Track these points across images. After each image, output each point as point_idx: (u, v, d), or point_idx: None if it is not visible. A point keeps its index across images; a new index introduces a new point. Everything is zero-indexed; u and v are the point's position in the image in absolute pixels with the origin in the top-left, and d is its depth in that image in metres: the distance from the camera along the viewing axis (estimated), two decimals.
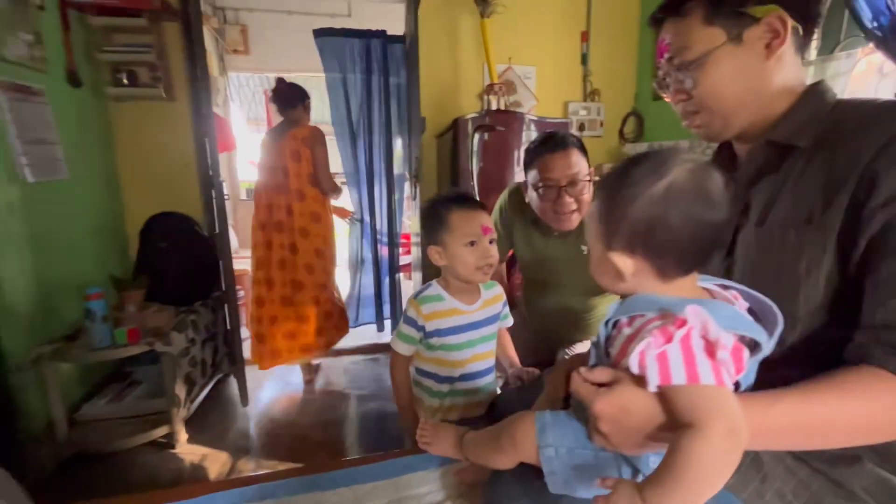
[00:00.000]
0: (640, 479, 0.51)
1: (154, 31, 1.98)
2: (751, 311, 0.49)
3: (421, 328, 0.94)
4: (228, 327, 2.09)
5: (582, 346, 1.29)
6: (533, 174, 1.14)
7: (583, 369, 0.53)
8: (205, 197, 2.10)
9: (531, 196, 1.19)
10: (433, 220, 0.93)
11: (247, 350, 2.12)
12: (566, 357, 1.29)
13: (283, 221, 2.05)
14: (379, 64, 2.44)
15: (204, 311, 1.98)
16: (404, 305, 1.00)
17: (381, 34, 2.40)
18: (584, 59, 2.48)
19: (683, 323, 0.41)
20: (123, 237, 2.13)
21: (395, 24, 2.35)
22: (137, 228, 2.04)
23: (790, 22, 0.55)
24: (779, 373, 0.56)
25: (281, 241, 2.06)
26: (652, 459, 0.51)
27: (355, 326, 2.60)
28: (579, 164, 1.11)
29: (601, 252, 0.50)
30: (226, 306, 2.07)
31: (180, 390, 1.66)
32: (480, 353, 0.98)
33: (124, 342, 1.54)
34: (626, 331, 0.47)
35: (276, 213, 2.05)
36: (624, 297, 0.52)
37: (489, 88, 2.12)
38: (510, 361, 1.06)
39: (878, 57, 1.45)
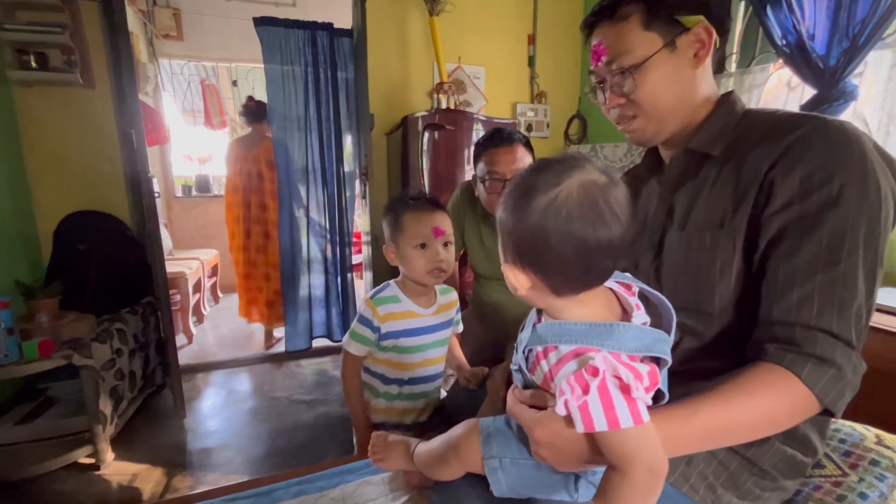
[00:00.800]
0: (581, 484, 0.53)
1: (67, 10, 1.78)
2: (645, 298, 0.51)
3: (376, 329, 0.93)
4: (162, 335, 1.93)
5: None
6: (480, 167, 1.18)
7: (517, 391, 0.54)
8: (132, 194, 1.93)
9: (479, 189, 1.22)
10: (390, 218, 0.93)
11: (184, 357, 1.97)
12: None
13: (260, 216, 2.55)
14: (326, 58, 2.35)
15: (133, 318, 1.82)
16: (358, 306, 0.98)
17: (327, 27, 2.32)
18: (531, 62, 2.54)
19: (596, 371, 0.41)
20: (33, 239, 1.90)
21: (342, 17, 2.28)
22: (51, 229, 1.84)
23: (714, 34, 0.59)
24: (699, 364, 0.60)
25: (258, 230, 2.55)
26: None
27: (313, 339, 2.50)
28: (524, 160, 1.16)
29: (501, 262, 0.50)
30: (158, 313, 1.92)
31: (105, 406, 1.52)
32: (432, 357, 0.97)
33: (35, 356, 1.38)
34: (544, 365, 0.48)
35: (254, 210, 2.53)
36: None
37: (439, 87, 2.12)
38: (458, 363, 1.07)
39: (786, 72, 1.61)
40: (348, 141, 2.53)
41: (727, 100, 0.63)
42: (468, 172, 1.99)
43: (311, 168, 2.45)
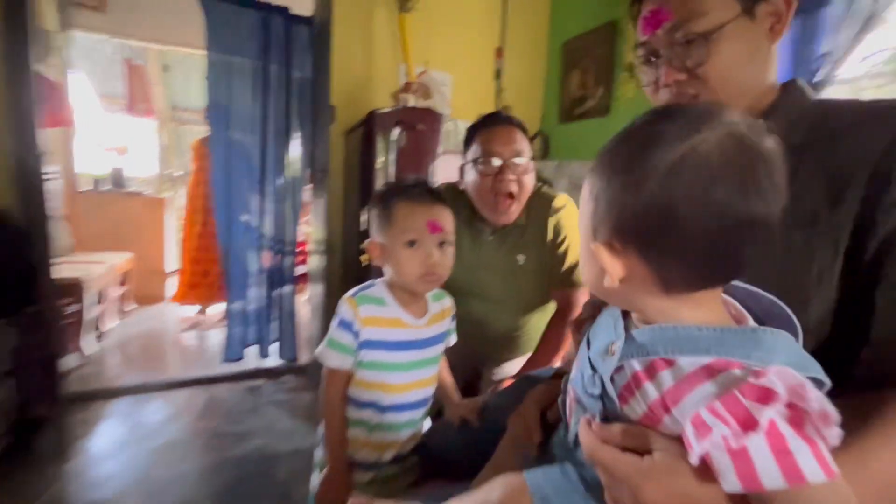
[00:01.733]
0: None
1: None
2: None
3: (356, 334, 0.74)
4: (47, 354, 1.54)
5: (511, 367, 1.19)
6: (473, 150, 1.05)
7: (597, 426, 0.39)
8: (22, 183, 1.55)
9: (468, 180, 1.07)
10: (379, 207, 0.76)
11: (78, 382, 1.59)
12: (494, 378, 1.17)
13: None
14: (279, 46, 2.13)
15: (7, 332, 1.43)
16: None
17: (282, 11, 2.10)
18: (498, 75, 2.50)
19: (769, 396, 0.28)
20: None
21: (299, 2, 2.09)
22: None
23: (794, 4, 0.51)
24: None
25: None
26: None
27: (235, 358, 2.16)
28: (522, 144, 1.05)
29: (585, 241, 0.39)
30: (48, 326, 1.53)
31: None
32: (422, 378, 0.80)
33: None
34: (650, 388, 0.35)
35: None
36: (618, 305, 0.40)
37: (407, 87, 1.98)
38: (445, 390, 0.89)
39: None
40: (297, 143, 2.30)
41: (796, 85, 0.55)
42: (438, 178, 1.85)
43: (253, 171, 2.17)
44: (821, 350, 0.47)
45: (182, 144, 4.70)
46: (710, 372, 0.32)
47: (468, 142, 1.08)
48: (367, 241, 0.78)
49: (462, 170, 1.11)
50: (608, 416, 0.40)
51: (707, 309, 0.36)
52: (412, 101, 1.96)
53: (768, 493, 0.29)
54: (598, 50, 2.19)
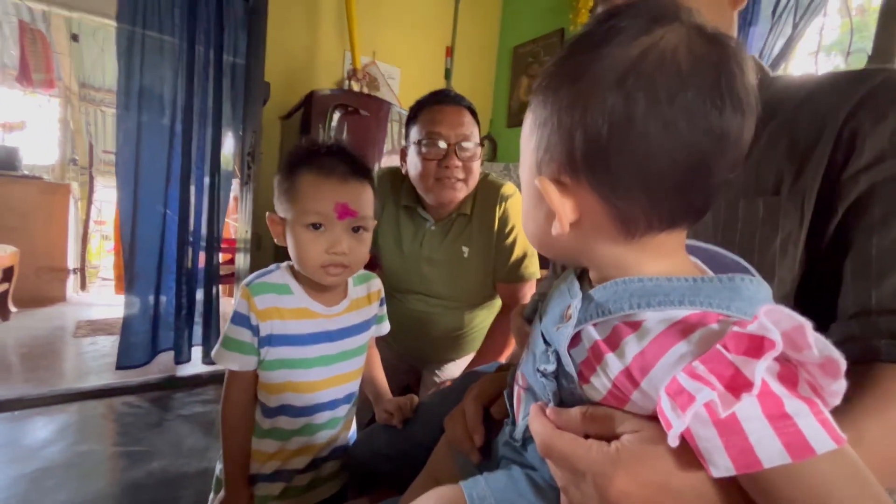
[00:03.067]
0: None
1: None
2: None
3: (255, 329, 0.62)
4: None
5: (454, 368, 1.11)
6: (416, 129, 0.95)
7: (553, 411, 0.32)
8: None
9: (410, 161, 0.97)
10: (283, 174, 0.63)
11: None
12: (437, 380, 1.08)
13: None
14: (209, 21, 1.92)
15: None
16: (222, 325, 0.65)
17: None
18: (448, 74, 2.46)
19: (761, 345, 0.23)
20: None
21: None
22: None
23: None
24: None
25: None
26: None
27: (149, 359, 1.90)
28: (471, 127, 0.96)
29: (528, 178, 0.33)
30: None
31: None
32: (342, 373, 0.69)
33: None
34: (613, 361, 0.29)
35: None
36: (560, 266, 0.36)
37: (352, 73, 1.87)
38: (377, 389, 0.79)
39: None
40: (229, 134, 2.08)
41: (753, 61, 0.53)
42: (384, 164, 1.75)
43: (174, 161, 1.93)
44: None
45: (95, 127, 4.19)
46: (684, 328, 0.26)
47: (411, 120, 0.98)
48: (268, 215, 0.65)
49: (403, 152, 1.01)
50: (565, 400, 0.33)
51: (673, 260, 0.31)
52: (357, 89, 1.85)
53: (766, 474, 0.23)
54: (547, 56, 2.23)
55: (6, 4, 2.75)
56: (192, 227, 2.02)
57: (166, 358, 1.96)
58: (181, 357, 1.97)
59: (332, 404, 0.68)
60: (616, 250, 0.31)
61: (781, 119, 0.46)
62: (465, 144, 0.94)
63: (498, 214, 1.00)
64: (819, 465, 0.23)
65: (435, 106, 0.94)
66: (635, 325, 0.28)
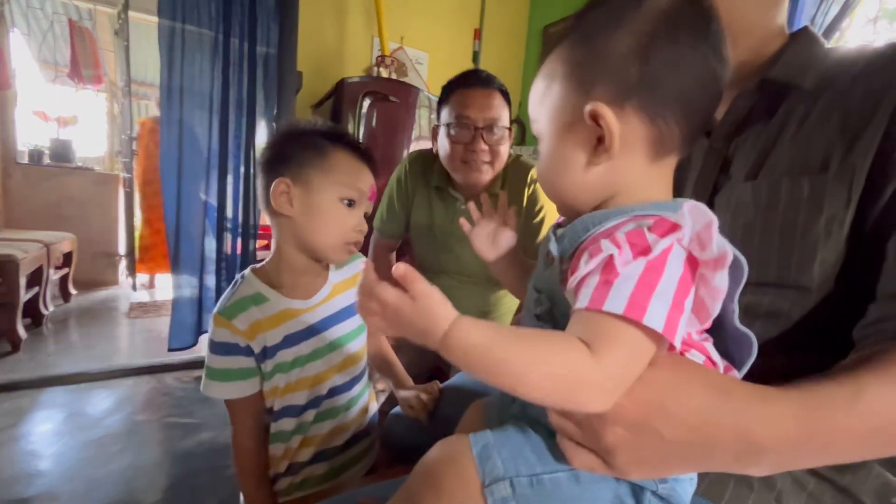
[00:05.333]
0: (647, 501, 0.34)
1: None
2: None
3: (247, 351, 0.61)
4: None
5: None
6: (447, 111, 0.97)
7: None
8: None
9: (440, 143, 1.00)
10: (301, 143, 0.62)
11: (4, 369, 1.42)
12: None
13: None
14: (242, 13, 1.97)
15: None
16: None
17: None
18: (476, 57, 2.44)
19: (674, 228, 0.29)
20: None
21: None
22: None
23: None
24: (777, 358, 0.44)
25: None
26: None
27: (195, 342, 2.02)
28: (500, 110, 0.96)
29: (571, 112, 0.36)
30: None
31: None
32: (336, 363, 0.68)
33: None
34: (582, 265, 0.33)
35: None
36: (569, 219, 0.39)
37: (380, 60, 1.88)
38: (396, 376, 0.79)
39: None
40: (263, 123, 2.15)
41: (808, 31, 0.51)
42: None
43: (212, 150, 2.01)
44: (824, 310, 0.43)
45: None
46: (628, 220, 0.32)
47: (442, 101, 1.00)
48: (275, 182, 0.60)
49: (435, 131, 1.03)
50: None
51: (663, 185, 0.37)
52: (386, 75, 1.86)
53: (602, 316, 0.29)
54: None
55: (56, 4, 2.91)
56: (230, 215, 2.12)
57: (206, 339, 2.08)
58: None
59: (343, 388, 0.69)
60: (639, 172, 0.36)
61: (834, 93, 0.44)
62: (493, 128, 0.95)
63: (527, 194, 1.02)
64: (630, 337, 0.29)
65: (465, 89, 0.95)
66: (596, 240, 0.33)
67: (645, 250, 0.29)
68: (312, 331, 0.64)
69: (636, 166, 0.36)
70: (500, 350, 0.30)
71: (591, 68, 0.35)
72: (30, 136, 3.13)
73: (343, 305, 0.68)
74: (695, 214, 0.29)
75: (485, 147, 0.94)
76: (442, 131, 0.99)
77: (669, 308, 0.28)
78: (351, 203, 0.62)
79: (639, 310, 0.28)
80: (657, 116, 0.34)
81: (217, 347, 0.61)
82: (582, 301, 0.30)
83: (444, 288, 1.05)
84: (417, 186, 1.09)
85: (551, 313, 0.37)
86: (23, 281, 2.02)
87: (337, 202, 0.61)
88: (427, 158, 1.09)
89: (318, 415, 0.66)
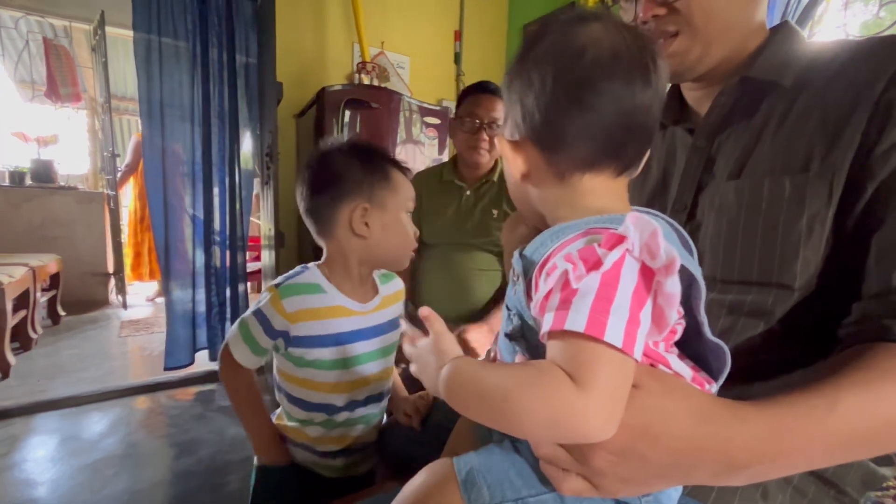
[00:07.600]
0: None
1: None
2: None
3: (278, 334, 0.64)
4: None
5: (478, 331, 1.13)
6: (463, 107, 1.26)
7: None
8: None
9: (455, 132, 1.28)
10: (373, 168, 0.66)
11: None
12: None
13: None
14: (220, 24, 1.95)
15: None
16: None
17: None
18: (458, 59, 2.44)
19: (621, 240, 0.30)
20: None
21: None
22: None
23: None
24: (759, 356, 0.45)
25: None
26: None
27: (191, 360, 2.00)
28: (500, 112, 1.18)
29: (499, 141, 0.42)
30: None
31: None
32: (377, 371, 0.71)
33: None
34: (542, 284, 0.33)
35: None
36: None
37: (361, 66, 1.88)
38: (393, 386, 0.81)
39: None
40: (247, 133, 2.13)
41: (787, 27, 0.51)
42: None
43: (196, 163, 1.98)
44: (808, 308, 0.44)
45: (122, 136, 4.34)
46: (584, 234, 0.33)
47: (461, 100, 1.29)
48: (353, 206, 0.65)
49: (452, 122, 1.31)
50: (532, 354, 0.36)
51: (610, 198, 0.38)
52: (367, 81, 1.86)
53: (572, 340, 0.29)
54: None
55: (30, 23, 2.87)
56: (217, 228, 2.10)
57: (202, 355, 2.06)
58: (216, 354, 2.07)
59: (369, 400, 0.71)
60: (556, 191, 0.38)
61: (814, 91, 0.44)
62: (493, 125, 1.20)
63: None
64: (601, 351, 0.28)
65: (478, 94, 1.23)
66: (552, 254, 0.34)
67: (596, 264, 0.29)
68: (362, 334, 0.68)
69: (551, 186, 0.38)
70: (490, 397, 0.32)
71: (505, 104, 0.40)
72: (10, 157, 3.07)
73: (389, 318, 0.73)
74: (639, 225, 0.30)
75: (485, 137, 1.20)
76: (457, 123, 1.27)
77: (626, 322, 0.28)
78: (409, 214, 0.70)
79: (599, 326, 0.28)
80: (544, 148, 0.37)
81: (259, 314, 0.64)
82: (546, 324, 0.30)
83: (459, 266, 1.20)
84: (423, 186, 1.27)
85: (521, 331, 0.37)
86: (9, 305, 1.99)
87: (405, 216, 0.69)
88: (431, 173, 1.35)
89: (353, 417, 0.69)
